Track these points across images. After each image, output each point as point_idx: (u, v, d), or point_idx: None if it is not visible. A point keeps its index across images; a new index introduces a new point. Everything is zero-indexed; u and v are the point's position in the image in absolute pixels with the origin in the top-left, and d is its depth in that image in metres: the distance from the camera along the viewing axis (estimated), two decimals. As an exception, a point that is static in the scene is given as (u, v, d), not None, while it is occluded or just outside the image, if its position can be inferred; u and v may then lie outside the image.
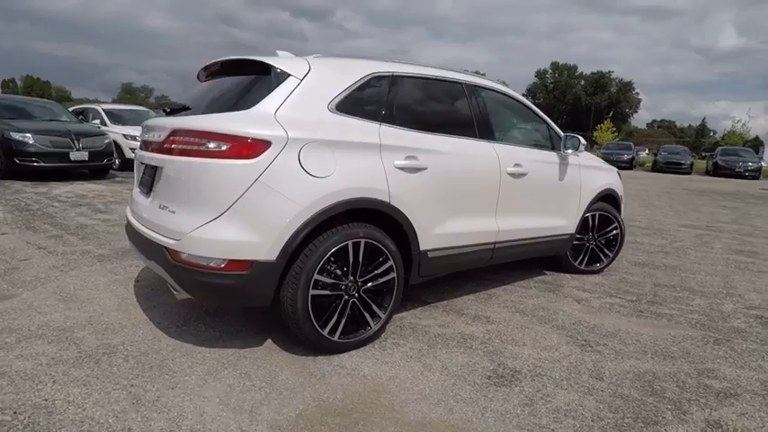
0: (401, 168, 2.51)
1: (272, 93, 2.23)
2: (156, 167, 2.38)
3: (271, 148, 2.08)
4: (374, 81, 2.57)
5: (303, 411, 1.92)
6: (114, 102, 42.40)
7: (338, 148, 2.29)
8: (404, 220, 2.52)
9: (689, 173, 22.52)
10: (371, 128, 2.46)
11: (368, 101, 2.52)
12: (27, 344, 2.34)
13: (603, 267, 4.25)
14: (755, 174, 21.32)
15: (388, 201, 2.42)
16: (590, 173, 3.94)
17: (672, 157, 23.29)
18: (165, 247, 2.16)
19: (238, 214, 2.05)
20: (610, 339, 2.80)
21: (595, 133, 44.69)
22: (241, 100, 2.26)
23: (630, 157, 23.96)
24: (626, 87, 71.93)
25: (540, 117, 3.64)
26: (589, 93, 70.45)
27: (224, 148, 2.05)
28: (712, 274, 4.43)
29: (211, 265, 2.06)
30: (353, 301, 2.41)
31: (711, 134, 78.50)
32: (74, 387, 1.99)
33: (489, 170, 3.03)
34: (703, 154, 37.47)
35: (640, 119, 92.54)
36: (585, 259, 4.18)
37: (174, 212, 2.18)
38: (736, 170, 21.24)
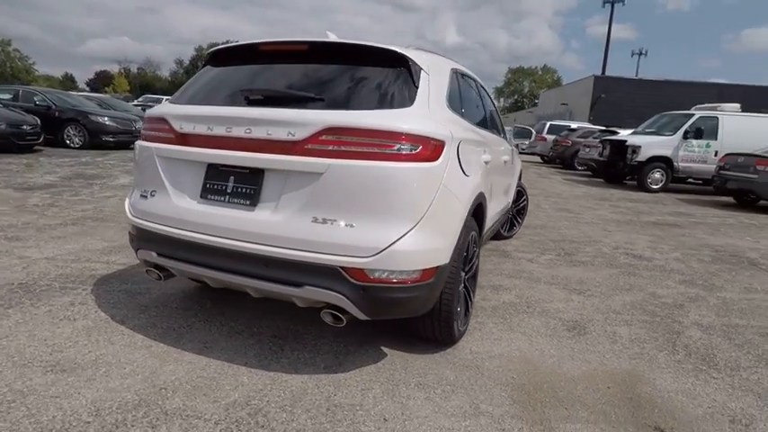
0: (486, 163, 2.72)
1: (420, 88, 2.10)
2: (284, 171, 1.92)
3: (445, 149, 2.02)
4: (454, 77, 2.64)
5: (512, 395, 2.06)
6: None
7: (469, 146, 2.35)
8: (485, 211, 2.76)
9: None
10: (469, 125, 2.57)
11: (454, 98, 2.59)
12: None
13: (516, 232, 5.32)
14: None
15: (486, 195, 2.62)
16: (517, 156, 4.84)
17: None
18: (343, 268, 1.84)
19: (430, 220, 1.94)
20: (582, 285, 3.72)
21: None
22: (387, 95, 2.03)
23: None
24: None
25: (497, 109, 4.27)
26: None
27: (414, 150, 1.88)
28: (566, 228, 6.07)
29: (405, 278, 1.90)
30: (463, 290, 2.55)
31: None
32: None
33: (503, 160, 3.50)
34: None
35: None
36: (507, 226, 5.14)
37: (352, 226, 1.85)
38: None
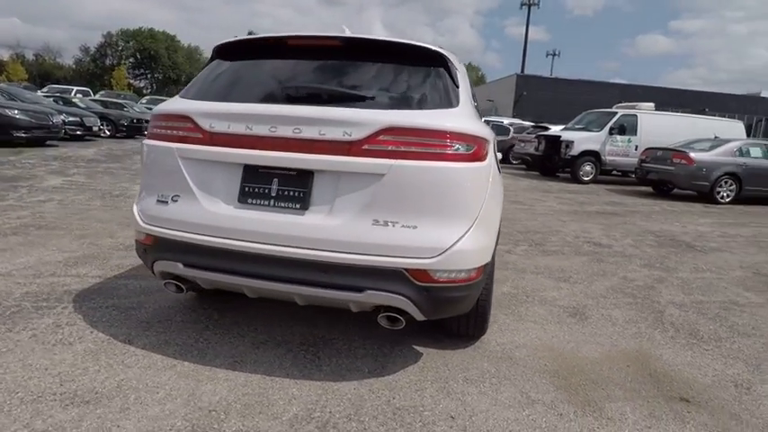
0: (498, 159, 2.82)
1: (460, 88, 2.11)
2: (337, 173, 1.85)
3: (489, 148, 2.06)
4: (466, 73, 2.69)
5: (552, 381, 2.18)
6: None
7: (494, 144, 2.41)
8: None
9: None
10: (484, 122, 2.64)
11: (472, 95, 2.63)
12: None
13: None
14: None
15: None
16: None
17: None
18: (406, 269, 1.81)
19: (483, 219, 1.97)
20: (563, 273, 3.99)
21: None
22: (435, 95, 2.02)
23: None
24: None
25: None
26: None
27: (470, 150, 1.89)
28: (526, 219, 6.44)
29: (463, 277, 1.91)
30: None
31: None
32: None
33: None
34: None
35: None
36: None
37: (415, 227, 1.81)
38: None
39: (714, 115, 15.54)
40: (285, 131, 1.87)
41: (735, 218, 7.82)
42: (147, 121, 16.57)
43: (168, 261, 2.05)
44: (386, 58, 2.12)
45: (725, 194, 9.29)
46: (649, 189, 10.85)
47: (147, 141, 2.19)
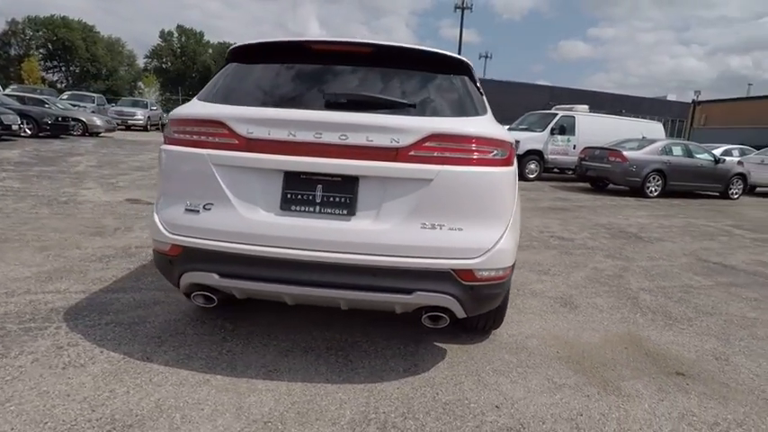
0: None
1: (483, 96, 2.22)
2: (382, 178, 1.88)
3: (515, 152, 2.19)
4: None
5: (568, 366, 2.36)
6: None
7: None
8: None
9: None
10: None
11: None
12: None
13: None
14: None
15: None
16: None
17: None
18: (454, 270, 1.89)
19: (515, 220, 2.10)
20: (541, 266, 4.28)
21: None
22: (469, 102, 2.11)
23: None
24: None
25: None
26: (218, 62, 71.49)
27: (504, 155, 2.01)
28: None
29: (501, 275, 2.03)
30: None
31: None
32: None
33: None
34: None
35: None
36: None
37: (460, 230, 1.89)
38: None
39: (629, 116, 17.12)
40: (331, 138, 1.88)
41: (665, 210, 8.74)
42: (75, 120, 15.20)
43: (201, 272, 1.98)
44: (415, 66, 2.18)
45: (653, 189, 10.33)
46: (587, 185, 11.78)
47: (168, 147, 2.08)
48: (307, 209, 1.92)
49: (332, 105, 1.98)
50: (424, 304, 1.96)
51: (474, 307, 2.03)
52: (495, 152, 1.98)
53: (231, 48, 2.32)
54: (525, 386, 2.17)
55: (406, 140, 1.88)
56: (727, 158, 12.38)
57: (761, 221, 8.32)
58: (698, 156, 10.98)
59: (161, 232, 2.02)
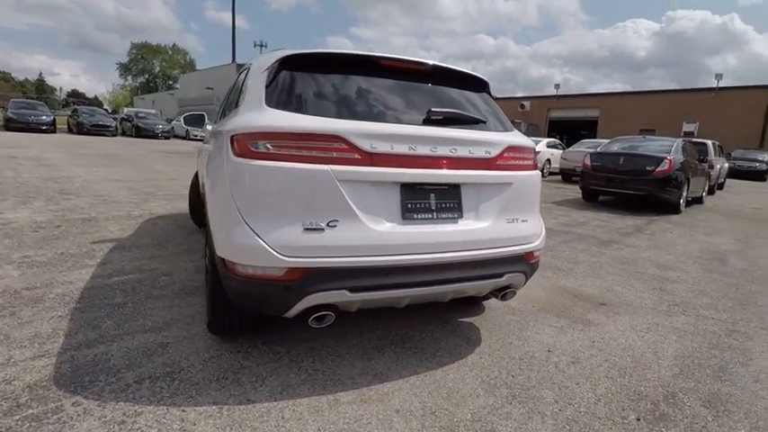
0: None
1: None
2: (477, 184, 2.22)
3: None
4: None
5: (556, 315, 3.16)
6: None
7: None
8: None
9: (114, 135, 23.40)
10: None
11: None
12: None
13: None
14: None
15: None
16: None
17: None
18: (525, 253, 2.38)
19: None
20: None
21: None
22: (503, 117, 2.58)
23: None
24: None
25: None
26: None
27: (535, 162, 2.58)
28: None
29: (540, 253, 2.60)
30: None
31: (58, 90, 77.36)
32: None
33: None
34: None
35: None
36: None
37: (525, 221, 2.37)
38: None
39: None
40: (443, 151, 2.11)
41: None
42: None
43: (330, 291, 1.91)
44: (458, 85, 2.54)
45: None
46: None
47: (269, 164, 1.87)
48: (426, 216, 2.09)
49: (428, 121, 2.18)
50: (508, 284, 2.40)
51: (527, 280, 2.58)
52: (533, 159, 2.55)
53: (286, 56, 2.19)
54: (549, 333, 2.85)
55: (494, 152, 2.27)
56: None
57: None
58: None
59: (273, 257, 1.85)
